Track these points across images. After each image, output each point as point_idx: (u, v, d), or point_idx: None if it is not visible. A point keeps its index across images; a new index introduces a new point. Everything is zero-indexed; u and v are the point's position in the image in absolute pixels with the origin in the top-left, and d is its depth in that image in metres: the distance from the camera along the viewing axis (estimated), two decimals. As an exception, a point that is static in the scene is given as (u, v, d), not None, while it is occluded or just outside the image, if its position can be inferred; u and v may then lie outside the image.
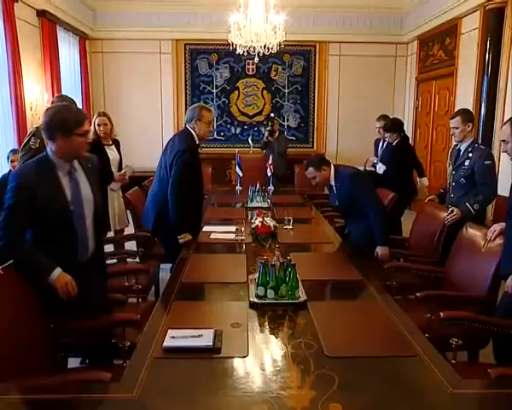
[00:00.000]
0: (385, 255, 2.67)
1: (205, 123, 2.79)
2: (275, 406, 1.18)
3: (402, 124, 4.23)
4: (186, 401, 1.22)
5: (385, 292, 2.00)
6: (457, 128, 2.92)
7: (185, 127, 2.86)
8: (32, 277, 1.67)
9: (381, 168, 4.04)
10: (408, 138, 4.33)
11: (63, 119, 1.74)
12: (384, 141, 4.25)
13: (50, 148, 1.77)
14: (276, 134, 5.49)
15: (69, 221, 1.77)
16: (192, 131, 2.80)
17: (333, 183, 2.88)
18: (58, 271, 1.72)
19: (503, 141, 2.09)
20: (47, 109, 1.80)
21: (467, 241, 2.31)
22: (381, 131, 4.22)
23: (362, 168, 4.33)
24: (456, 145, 3.10)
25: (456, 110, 3.31)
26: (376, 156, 4.34)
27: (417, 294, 2.04)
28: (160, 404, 1.21)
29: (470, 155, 2.88)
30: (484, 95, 4.62)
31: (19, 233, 1.69)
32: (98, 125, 3.54)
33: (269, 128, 5.41)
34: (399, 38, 6.60)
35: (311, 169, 2.85)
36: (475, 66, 4.79)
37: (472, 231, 2.31)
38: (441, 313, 1.79)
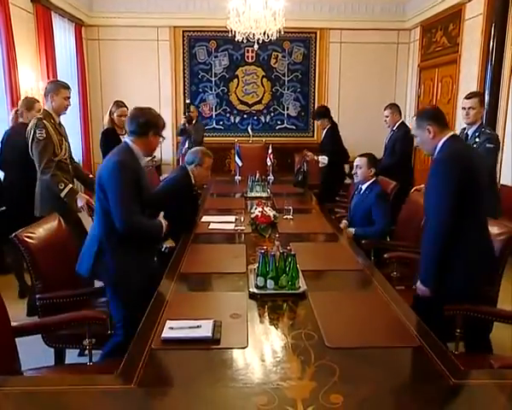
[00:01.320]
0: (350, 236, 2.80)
1: (205, 168, 2.87)
2: (275, 397, 1.16)
3: (328, 110, 4.37)
4: (185, 392, 1.21)
5: (386, 282, 1.98)
6: (474, 109, 2.87)
7: (184, 167, 2.90)
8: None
9: (324, 159, 4.12)
10: (336, 125, 4.40)
11: (157, 121, 2.07)
12: (391, 131, 4.19)
13: (134, 141, 2.02)
14: (194, 121, 5.34)
15: (154, 202, 2.15)
16: (190, 173, 2.85)
17: (364, 187, 2.98)
18: (162, 221, 2.12)
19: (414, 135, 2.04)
20: (140, 109, 2.06)
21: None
22: (387, 120, 4.18)
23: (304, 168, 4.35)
24: (463, 130, 3.05)
25: (470, 91, 3.23)
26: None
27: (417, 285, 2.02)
28: (159, 395, 1.20)
29: (477, 139, 2.84)
30: (488, 83, 4.55)
31: (137, 211, 1.95)
32: (119, 115, 3.64)
33: (186, 115, 5.17)
34: (402, 24, 6.50)
35: (365, 160, 2.96)
36: (479, 53, 4.71)
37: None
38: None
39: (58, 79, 5.19)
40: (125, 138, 2.08)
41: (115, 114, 3.64)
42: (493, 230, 2.10)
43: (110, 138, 3.55)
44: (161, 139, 2.11)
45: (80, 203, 2.79)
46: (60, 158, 2.82)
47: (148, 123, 2.01)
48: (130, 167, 1.94)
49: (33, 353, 1.80)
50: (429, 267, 1.86)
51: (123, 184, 1.89)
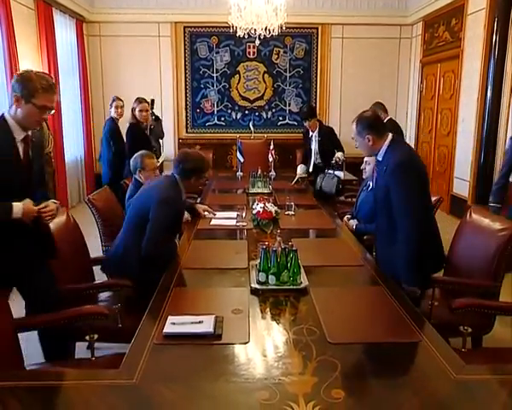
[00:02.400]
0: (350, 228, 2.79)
1: (149, 171, 2.85)
2: (276, 392, 1.17)
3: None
4: (187, 387, 1.21)
5: (388, 278, 1.97)
6: None
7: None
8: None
9: (342, 155, 3.99)
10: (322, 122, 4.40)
11: (202, 167, 2.32)
12: None
13: (179, 179, 2.28)
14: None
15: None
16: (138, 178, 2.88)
17: (372, 184, 2.93)
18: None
19: (353, 138, 2.15)
20: (187, 154, 2.31)
21: (470, 226, 2.27)
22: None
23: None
24: None
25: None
26: None
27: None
28: (161, 390, 1.20)
29: None
30: (490, 78, 4.53)
31: (163, 241, 2.18)
32: (140, 111, 3.85)
33: (152, 113, 4.75)
34: (404, 19, 6.46)
35: (373, 157, 2.92)
36: (482, 48, 4.68)
37: (475, 216, 2.28)
38: (453, 304, 1.76)
39: (59, 75, 5.19)
40: (174, 173, 2.31)
41: (137, 110, 3.85)
42: (495, 225, 2.10)
43: (135, 132, 3.81)
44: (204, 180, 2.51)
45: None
46: (47, 151, 2.79)
47: (193, 170, 2.28)
48: (176, 204, 2.22)
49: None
50: (411, 267, 1.92)
51: (164, 218, 2.13)
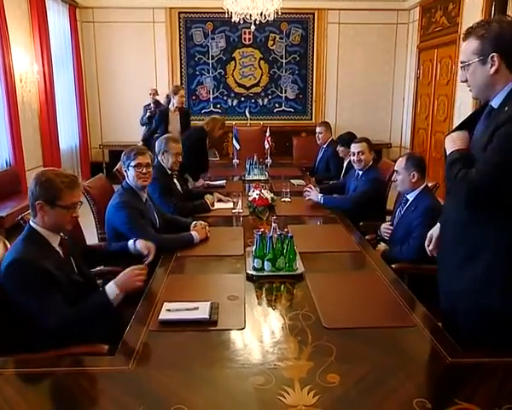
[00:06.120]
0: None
1: (172, 155, 2.76)
2: (272, 377, 1.17)
3: None
4: (182, 373, 1.21)
5: (383, 263, 1.98)
6: None
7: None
8: None
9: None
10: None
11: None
12: (322, 149, 4.23)
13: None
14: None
15: None
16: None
17: (361, 172, 2.96)
18: None
19: (396, 171, 2.24)
20: None
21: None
22: (320, 137, 4.22)
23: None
24: None
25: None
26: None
27: (393, 265, 2.00)
28: (157, 376, 1.20)
29: None
30: (487, 63, 4.49)
31: None
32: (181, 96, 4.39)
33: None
34: (401, 4, 6.38)
35: (365, 145, 2.95)
36: (479, 32, 4.63)
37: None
38: None
39: (53, 62, 5.11)
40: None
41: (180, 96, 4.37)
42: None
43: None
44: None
45: None
46: None
47: None
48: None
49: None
50: None
51: None
